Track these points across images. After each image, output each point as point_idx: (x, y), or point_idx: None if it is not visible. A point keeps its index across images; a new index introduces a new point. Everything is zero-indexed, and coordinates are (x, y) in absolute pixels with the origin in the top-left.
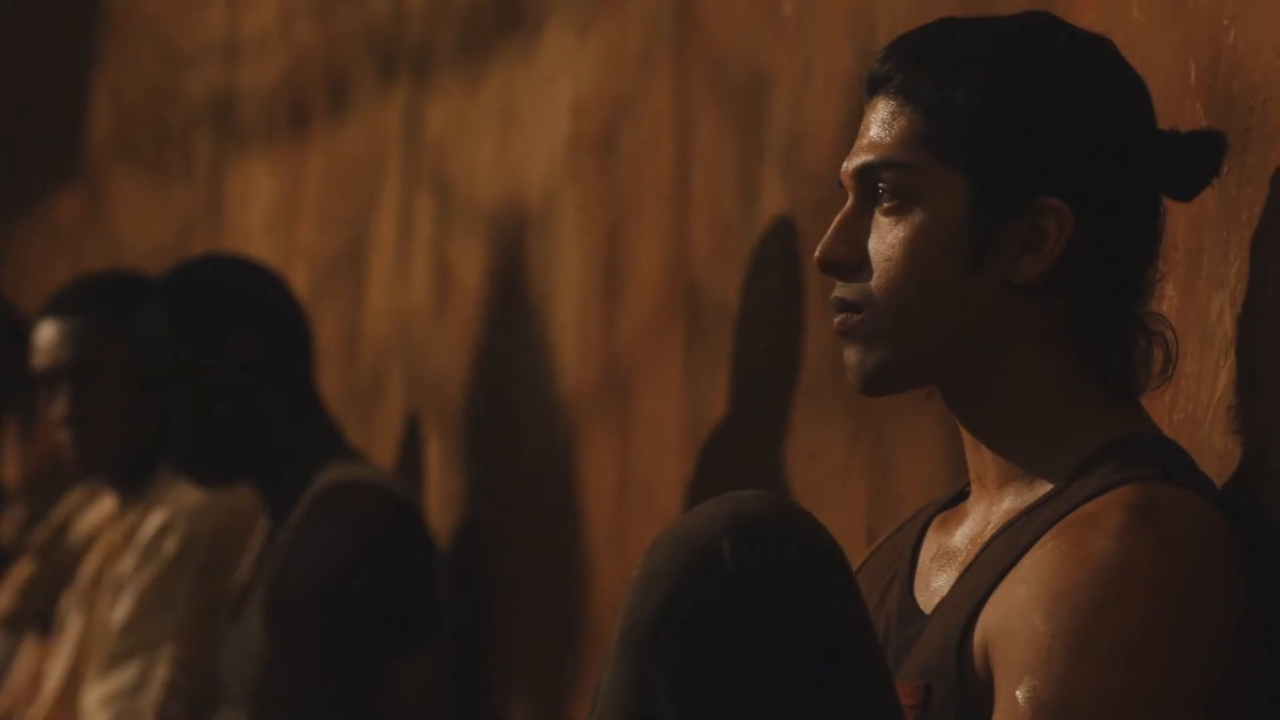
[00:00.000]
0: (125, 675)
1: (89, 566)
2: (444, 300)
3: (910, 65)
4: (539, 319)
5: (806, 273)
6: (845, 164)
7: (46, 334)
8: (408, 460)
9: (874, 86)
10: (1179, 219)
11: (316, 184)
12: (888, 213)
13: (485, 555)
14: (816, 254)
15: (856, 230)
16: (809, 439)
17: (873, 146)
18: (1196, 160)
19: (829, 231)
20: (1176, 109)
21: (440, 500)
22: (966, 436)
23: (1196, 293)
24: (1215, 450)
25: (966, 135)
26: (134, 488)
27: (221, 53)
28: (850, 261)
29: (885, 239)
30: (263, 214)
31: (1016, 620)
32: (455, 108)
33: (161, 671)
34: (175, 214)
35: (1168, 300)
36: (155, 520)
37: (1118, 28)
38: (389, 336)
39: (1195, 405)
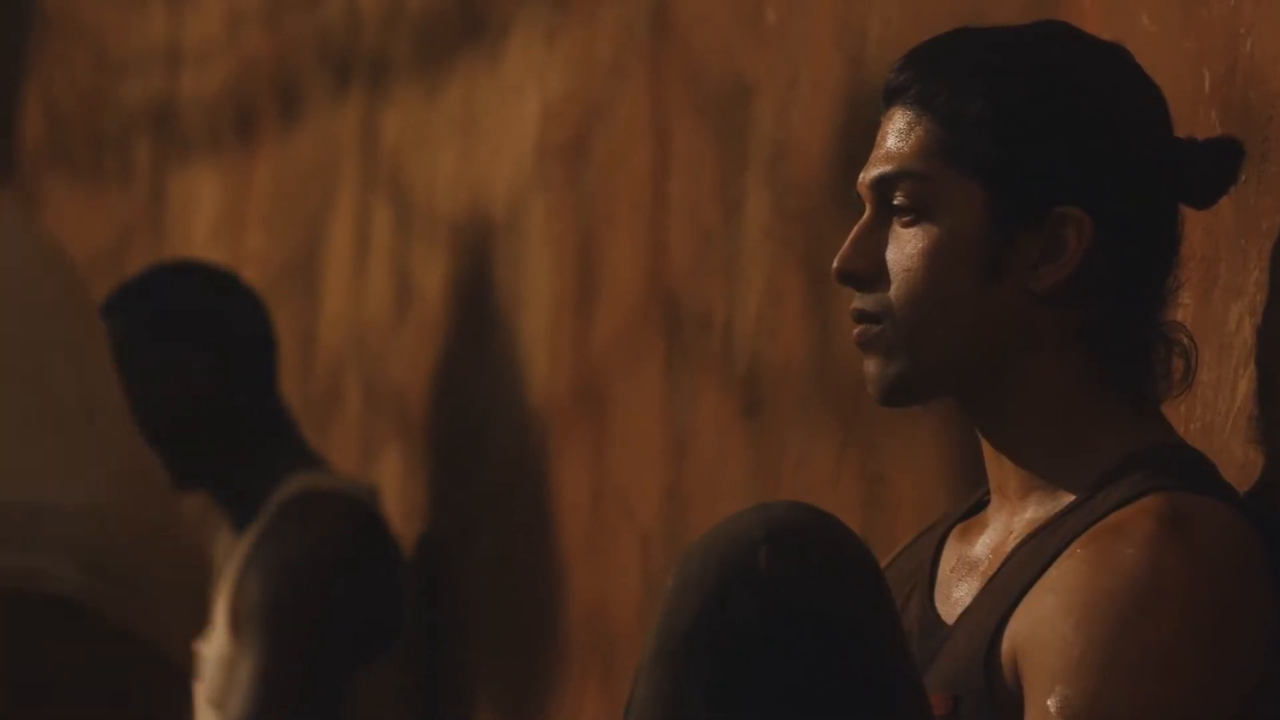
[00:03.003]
0: None
1: None
2: (404, 309)
3: (927, 75)
4: (506, 328)
5: (792, 282)
6: (862, 175)
7: None
8: (366, 470)
9: (890, 97)
10: (1195, 228)
11: (265, 191)
12: (906, 224)
13: (450, 566)
14: (835, 265)
15: (874, 241)
16: (796, 448)
17: (889, 157)
18: (1213, 168)
19: (846, 243)
20: (1191, 118)
21: (402, 511)
22: (986, 447)
23: (1213, 302)
24: (1234, 459)
25: (983, 145)
26: None
27: (162, 58)
28: (868, 273)
29: (904, 250)
30: (208, 221)
31: (1046, 630)
32: (413, 116)
33: None
34: (113, 221)
35: (1184, 309)
36: None
37: (1125, 37)
38: (345, 345)
39: (1213, 414)
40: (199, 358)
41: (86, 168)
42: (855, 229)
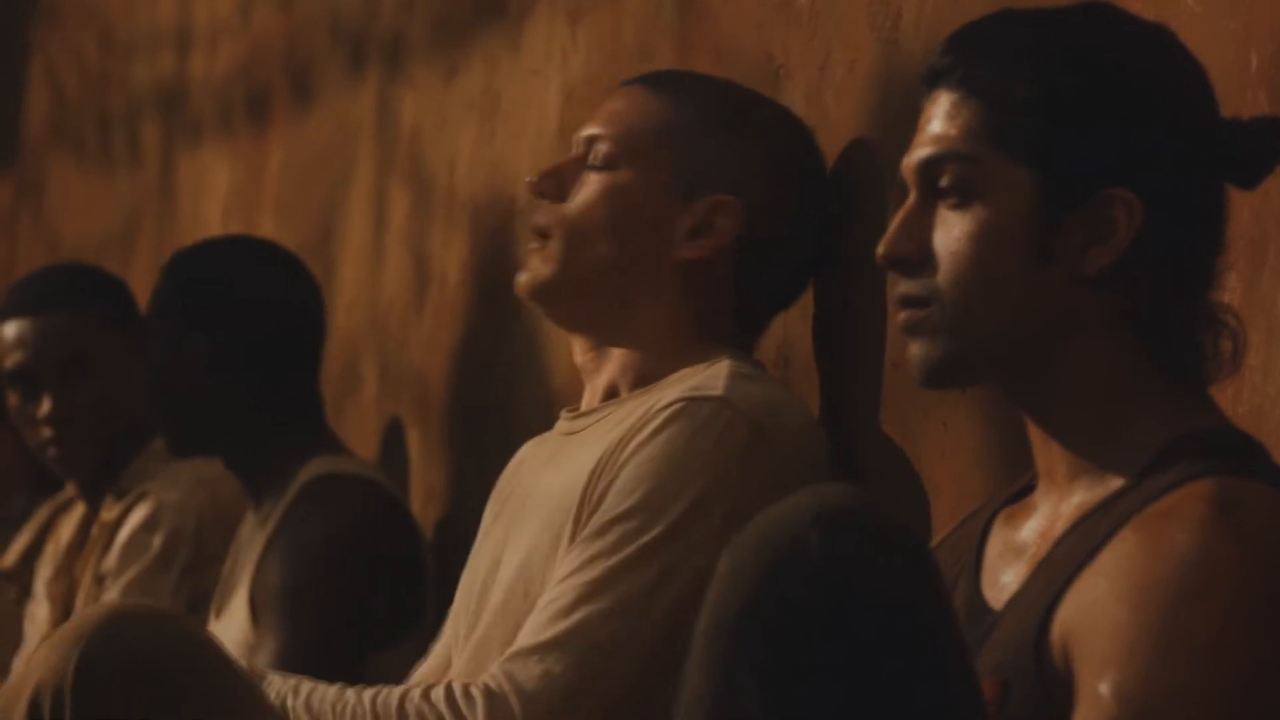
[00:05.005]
0: None
1: (53, 557)
2: (422, 292)
3: (971, 57)
4: (528, 311)
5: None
6: (906, 158)
7: (27, 330)
8: (384, 454)
9: (933, 79)
10: (1242, 209)
11: (279, 173)
12: (952, 207)
13: (470, 550)
14: (880, 249)
15: (920, 225)
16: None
17: (935, 140)
18: (1260, 148)
19: (892, 226)
20: (1239, 99)
21: (421, 494)
22: (1034, 431)
23: (1261, 284)
24: None
25: (1030, 127)
26: (99, 489)
27: (171, 39)
28: (915, 256)
29: (950, 233)
30: (219, 204)
31: (1098, 615)
32: (432, 98)
33: None
34: (121, 203)
35: (1231, 292)
36: (138, 516)
37: (1170, 18)
38: (362, 329)
39: (1261, 397)
40: (208, 336)
41: (94, 151)
42: (900, 212)
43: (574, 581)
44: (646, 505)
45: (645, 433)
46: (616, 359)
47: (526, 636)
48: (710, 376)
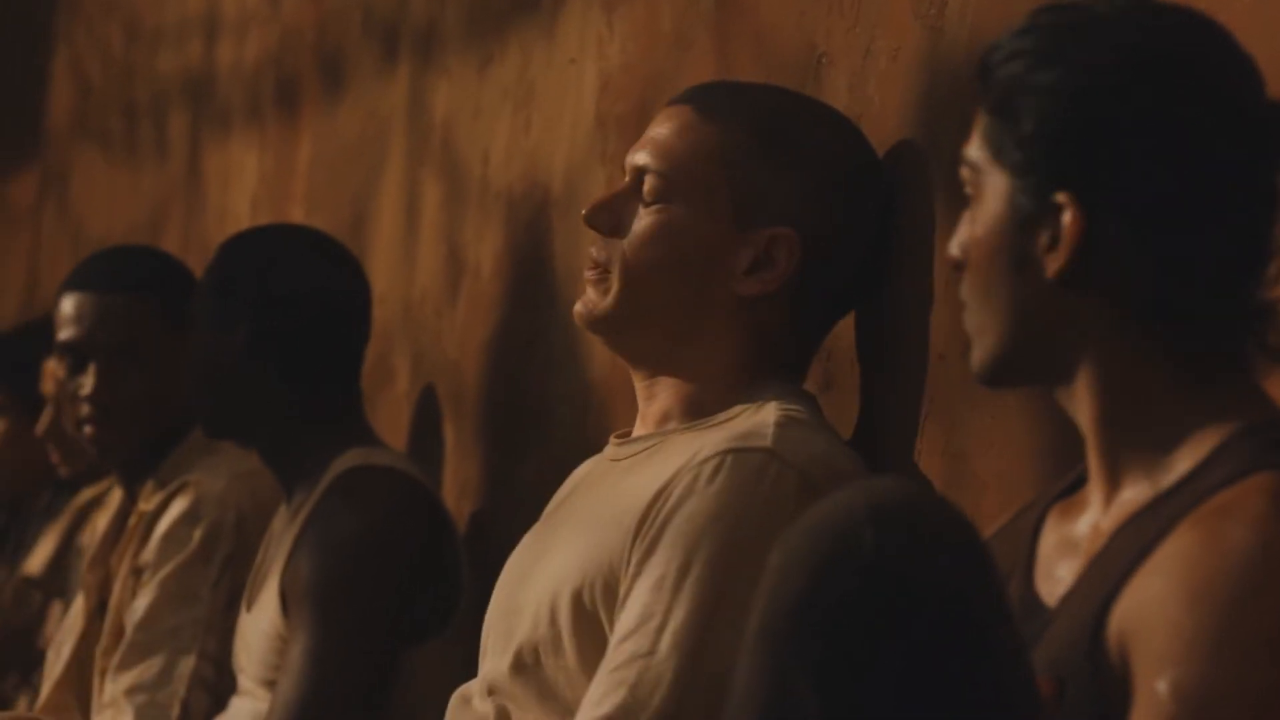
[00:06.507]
0: (150, 667)
1: (88, 549)
2: (455, 284)
3: (985, 63)
4: (565, 302)
5: None
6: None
7: (85, 305)
8: (417, 446)
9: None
10: None
11: (309, 164)
12: (970, 210)
13: (505, 544)
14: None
15: (967, 223)
16: (872, 425)
17: (969, 143)
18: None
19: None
20: None
21: (455, 488)
22: (1081, 429)
23: None
24: None
25: (1006, 132)
26: (138, 478)
27: (199, 29)
28: (960, 258)
29: (961, 237)
30: (247, 195)
31: (1155, 612)
32: (465, 87)
33: (187, 663)
34: (147, 195)
35: None
36: (178, 509)
37: (1219, 10)
38: (394, 321)
39: None
40: (251, 323)
41: (119, 142)
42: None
43: (631, 648)
44: (699, 564)
45: (694, 483)
46: (671, 389)
47: (589, 708)
48: (759, 424)
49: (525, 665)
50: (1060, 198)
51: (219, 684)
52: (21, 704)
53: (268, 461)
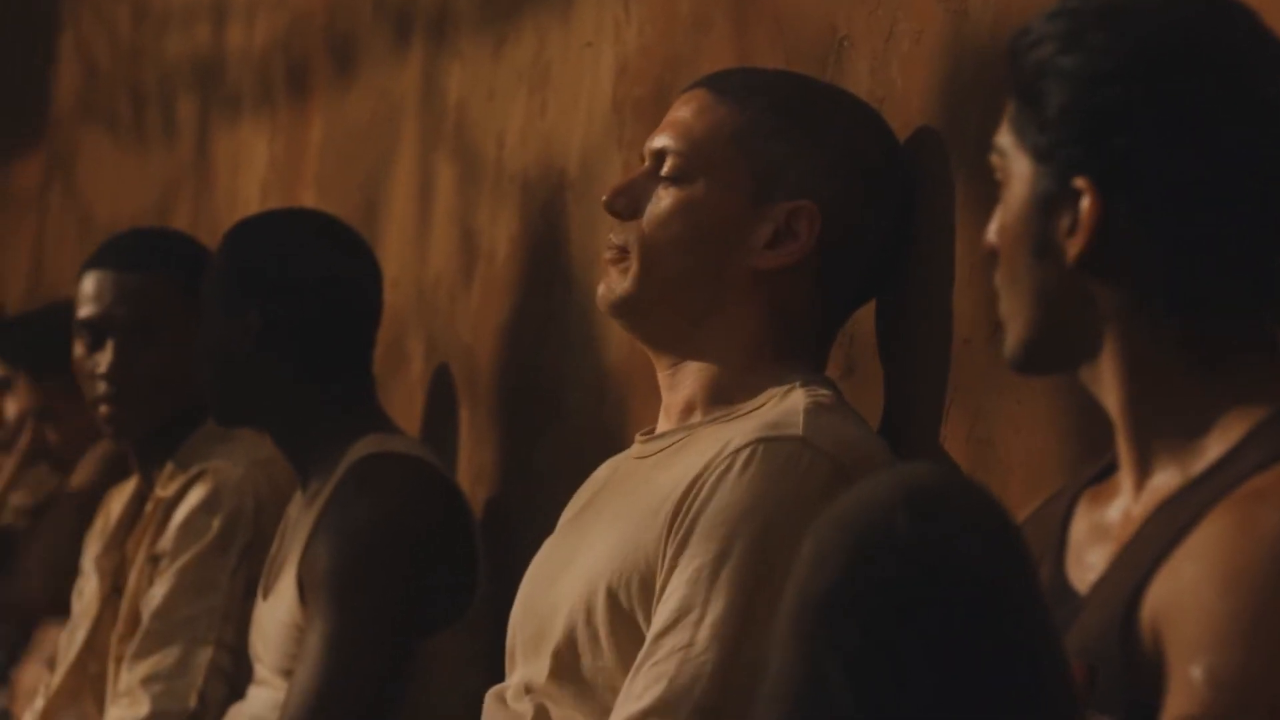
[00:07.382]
0: (167, 656)
1: (102, 533)
2: (470, 268)
3: (1014, 48)
4: (581, 286)
5: None
6: None
7: (105, 282)
8: (432, 432)
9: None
10: None
11: (320, 148)
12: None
13: (521, 529)
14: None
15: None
16: (896, 410)
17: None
18: None
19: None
20: None
21: (470, 474)
22: (1110, 415)
23: None
24: None
25: (1030, 117)
26: (155, 461)
27: (207, 11)
28: (995, 245)
29: (994, 225)
30: (257, 179)
31: (1189, 598)
32: (480, 70)
33: (204, 653)
34: (155, 179)
35: None
36: (196, 496)
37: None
38: (407, 305)
39: None
40: (262, 309)
41: (127, 125)
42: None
43: (670, 642)
44: (736, 555)
45: (726, 474)
46: (694, 375)
47: (629, 702)
48: (788, 412)
49: (563, 665)
50: (1079, 182)
51: (236, 673)
52: (33, 684)
53: (282, 448)
